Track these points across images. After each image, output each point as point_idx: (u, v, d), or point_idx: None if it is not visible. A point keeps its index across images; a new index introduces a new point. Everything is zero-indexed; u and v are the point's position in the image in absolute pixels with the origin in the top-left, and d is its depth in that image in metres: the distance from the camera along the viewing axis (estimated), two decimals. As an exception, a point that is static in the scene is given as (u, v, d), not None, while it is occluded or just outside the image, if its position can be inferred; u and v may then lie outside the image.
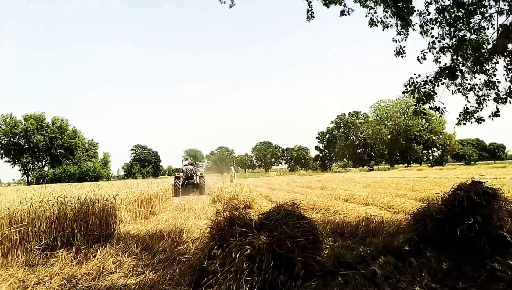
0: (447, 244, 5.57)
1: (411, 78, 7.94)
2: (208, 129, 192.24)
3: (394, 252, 5.49)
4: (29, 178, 75.27)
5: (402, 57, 8.22)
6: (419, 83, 7.91)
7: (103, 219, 7.55)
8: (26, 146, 77.40)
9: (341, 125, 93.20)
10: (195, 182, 22.36)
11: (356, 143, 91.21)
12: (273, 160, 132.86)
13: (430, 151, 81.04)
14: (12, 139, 76.50)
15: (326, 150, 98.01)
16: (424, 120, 76.51)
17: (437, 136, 76.52)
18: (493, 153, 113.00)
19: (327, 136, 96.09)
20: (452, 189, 6.18)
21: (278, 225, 4.23)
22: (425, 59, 7.66)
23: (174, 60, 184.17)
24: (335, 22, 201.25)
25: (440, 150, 77.99)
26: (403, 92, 8.09)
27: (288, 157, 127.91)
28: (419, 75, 7.87)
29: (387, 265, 5.00)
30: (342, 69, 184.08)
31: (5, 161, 77.74)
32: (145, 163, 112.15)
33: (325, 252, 4.57)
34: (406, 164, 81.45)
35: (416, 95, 8.05)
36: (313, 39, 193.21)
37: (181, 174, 22.59)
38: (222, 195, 11.75)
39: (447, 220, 5.67)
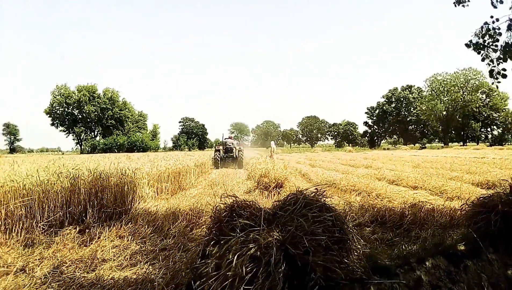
0: (515, 246, 4.45)
1: (486, 23, 6.12)
2: (255, 102, 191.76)
3: (445, 252, 4.42)
4: (82, 147, 78.90)
5: (463, 5, 6.59)
6: (496, 32, 6.09)
7: (118, 195, 6.99)
8: (80, 116, 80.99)
9: (393, 100, 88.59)
10: (234, 155, 22.76)
11: (408, 119, 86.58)
12: (319, 135, 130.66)
13: (489, 129, 75.31)
14: (66, 109, 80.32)
15: (375, 126, 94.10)
16: (484, 96, 70.97)
17: (498, 113, 70.88)
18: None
19: (377, 112, 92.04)
20: None
21: (294, 217, 3.31)
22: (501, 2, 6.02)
23: (223, 33, 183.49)
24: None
25: (501, 129, 72.29)
26: (470, 45, 6.21)
27: (335, 133, 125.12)
28: (497, 19, 6.04)
29: (436, 270, 3.97)
30: (397, 40, 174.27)
31: (60, 131, 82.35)
32: (192, 136, 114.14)
33: (355, 253, 3.59)
34: (461, 143, 76.54)
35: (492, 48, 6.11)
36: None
37: (220, 147, 23.24)
38: (254, 172, 10.95)
39: (517, 215, 4.51)
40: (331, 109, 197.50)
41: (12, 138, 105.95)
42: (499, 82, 6.17)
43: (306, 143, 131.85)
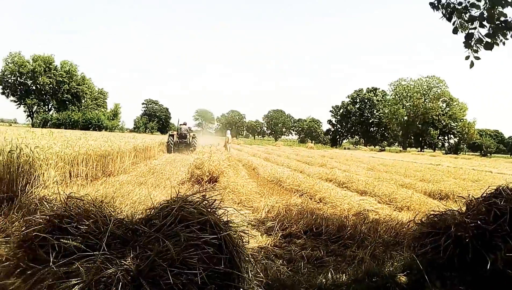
0: (467, 280, 3.60)
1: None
2: (222, 91, 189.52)
3: (382, 284, 3.51)
4: (33, 121, 74.34)
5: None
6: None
7: (4, 178, 5.66)
8: (33, 87, 75.85)
9: (357, 100, 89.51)
10: (188, 141, 23.01)
11: (370, 121, 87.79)
12: (284, 129, 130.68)
13: (446, 137, 77.49)
14: (19, 79, 74.93)
15: (338, 125, 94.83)
16: (445, 104, 72.78)
17: (456, 123, 72.89)
18: (511, 146, 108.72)
19: (341, 111, 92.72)
20: (485, 194, 4.01)
21: (160, 237, 2.20)
22: None
23: (192, 19, 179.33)
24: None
25: (457, 138, 74.53)
26: (438, 6, 4.47)
27: (300, 129, 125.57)
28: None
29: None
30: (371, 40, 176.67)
31: (11, 101, 76.59)
32: (154, 118, 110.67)
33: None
34: (419, 149, 78.40)
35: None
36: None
37: (174, 132, 23.55)
38: (190, 162, 9.80)
39: (473, 241, 3.60)
40: (298, 104, 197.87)
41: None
42: (478, 58, 4.63)
43: (270, 136, 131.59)
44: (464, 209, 4.24)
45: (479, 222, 3.62)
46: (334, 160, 22.19)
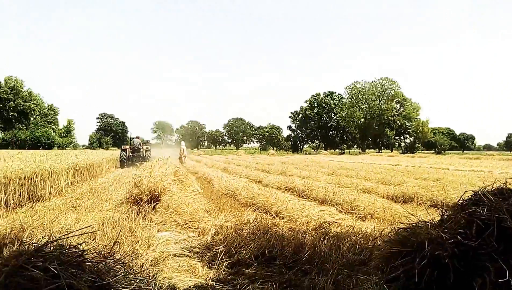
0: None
1: None
2: (180, 102, 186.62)
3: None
4: (-23, 142, 69.48)
5: None
6: None
7: None
8: (-24, 106, 71.11)
9: (315, 105, 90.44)
10: (141, 155, 22.55)
11: (329, 125, 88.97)
12: (245, 138, 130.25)
13: (402, 137, 79.71)
14: (-41, 97, 69.96)
15: (298, 131, 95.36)
16: (399, 105, 74.91)
17: (410, 123, 75.14)
18: (462, 143, 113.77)
19: (300, 116, 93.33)
20: (461, 201, 3.31)
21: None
22: None
23: (147, 27, 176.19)
24: None
25: (412, 137, 76.81)
26: None
27: (261, 136, 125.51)
28: None
29: None
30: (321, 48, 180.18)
31: (-49, 121, 71.33)
32: (110, 133, 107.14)
33: None
34: (377, 150, 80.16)
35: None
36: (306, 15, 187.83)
37: (127, 147, 22.75)
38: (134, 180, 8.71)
39: (453, 261, 2.90)
40: (257, 111, 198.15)
41: None
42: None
43: (232, 145, 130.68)
44: (437, 219, 3.55)
45: (459, 237, 2.93)
46: (294, 166, 21.65)
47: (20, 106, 74.87)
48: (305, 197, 9.74)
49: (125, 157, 21.67)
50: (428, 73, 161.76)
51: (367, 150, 79.92)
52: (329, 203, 8.30)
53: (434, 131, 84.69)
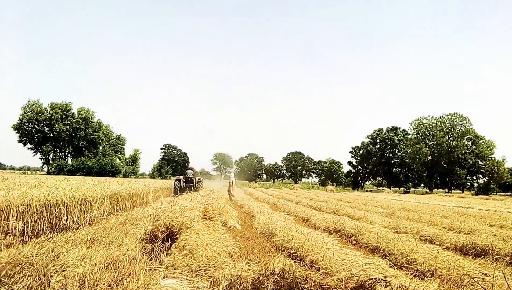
0: None
1: None
2: (240, 134, 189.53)
3: None
4: (48, 168, 74.48)
5: None
6: None
7: None
8: (50, 135, 76.84)
9: (378, 140, 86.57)
10: (194, 184, 24.37)
11: (392, 162, 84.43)
12: (303, 172, 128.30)
13: (474, 177, 73.31)
14: (36, 127, 76.23)
15: (359, 166, 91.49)
16: (470, 143, 69.53)
17: (483, 162, 69.12)
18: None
19: (361, 152, 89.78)
20: None
21: None
22: None
23: (207, 62, 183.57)
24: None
25: (486, 178, 70.38)
26: None
27: (320, 171, 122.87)
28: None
29: None
30: (383, 80, 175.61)
31: (28, 148, 77.44)
32: (173, 163, 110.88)
33: None
34: (446, 190, 74.38)
35: None
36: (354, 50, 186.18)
37: (181, 177, 24.68)
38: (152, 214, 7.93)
39: None
40: (318, 146, 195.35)
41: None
42: None
43: (290, 179, 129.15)
44: None
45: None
46: (350, 204, 20.08)
47: (90, 135, 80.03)
48: (354, 242, 8.48)
49: (179, 186, 23.56)
50: (503, 106, 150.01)
51: (435, 190, 74.44)
52: (381, 253, 7.00)
53: (511, 171, 77.17)
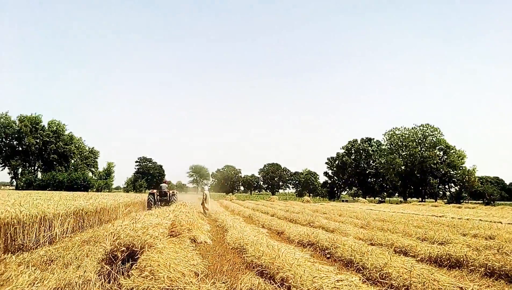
0: None
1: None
2: (216, 146, 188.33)
3: None
4: (17, 183, 71.75)
5: None
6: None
7: None
8: (19, 148, 74.23)
9: (352, 151, 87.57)
10: (168, 198, 23.92)
11: (367, 172, 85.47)
12: (280, 183, 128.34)
13: (447, 186, 74.96)
14: (4, 140, 73.51)
15: (335, 177, 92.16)
16: (442, 152, 71.19)
17: (455, 171, 70.83)
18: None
19: (336, 162, 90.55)
20: None
21: None
22: None
23: (184, 72, 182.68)
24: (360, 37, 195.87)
25: (458, 186, 72.07)
26: None
27: (297, 182, 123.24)
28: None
29: None
30: (358, 92, 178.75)
31: (-5, 163, 74.87)
32: (148, 176, 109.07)
33: None
34: (420, 199, 75.68)
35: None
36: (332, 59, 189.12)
37: (155, 191, 24.30)
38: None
39: None
40: (294, 157, 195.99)
41: None
42: None
43: (267, 190, 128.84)
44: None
45: None
46: (325, 215, 19.97)
47: (61, 148, 77.64)
48: (328, 255, 8.23)
49: (152, 200, 23.11)
50: (473, 117, 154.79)
51: (409, 199, 75.63)
52: (355, 267, 6.78)
53: (481, 180, 79.31)
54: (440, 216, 22.54)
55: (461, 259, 7.37)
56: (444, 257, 7.69)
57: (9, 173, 76.10)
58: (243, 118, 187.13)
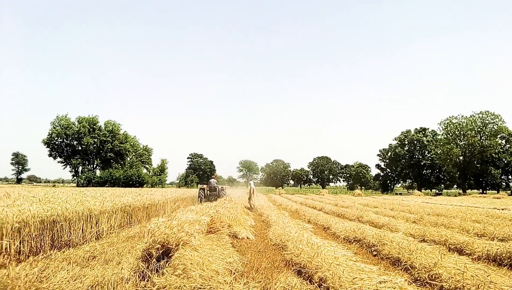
0: None
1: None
2: (265, 141, 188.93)
3: None
4: (78, 180, 76.32)
5: None
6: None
7: None
8: (79, 148, 78.97)
9: (406, 142, 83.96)
10: (217, 193, 24.92)
11: (422, 164, 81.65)
12: (331, 176, 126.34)
13: (510, 177, 69.93)
14: (65, 141, 78.62)
15: (388, 169, 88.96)
16: (504, 141, 66.45)
17: (519, 160, 65.95)
18: None
19: (389, 154, 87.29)
20: None
21: None
22: None
23: (233, 71, 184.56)
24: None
25: (523, 177, 67.15)
26: None
27: (347, 175, 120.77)
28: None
29: None
30: (410, 81, 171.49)
31: (58, 162, 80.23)
32: (199, 171, 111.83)
33: None
34: (481, 190, 71.28)
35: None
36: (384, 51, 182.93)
37: (205, 186, 25.60)
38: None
39: None
40: (344, 150, 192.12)
41: (20, 168, 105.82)
42: None
43: (317, 184, 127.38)
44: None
45: None
46: (376, 209, 19.22)
47: (116, 147, 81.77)
48: (375, 253, 7.80)
49: (202, 195, 24.44)
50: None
51: (468, 191, 71.50)
52: (402, 265, 6.33)
53: (549, 169, 73.20)
54: (502, 209, 20.98)
55: (525, 258, 6.68)
56: (504, 255, 7.01)
57: (70, 171, 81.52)
58: (291, 110, 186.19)
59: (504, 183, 69.73)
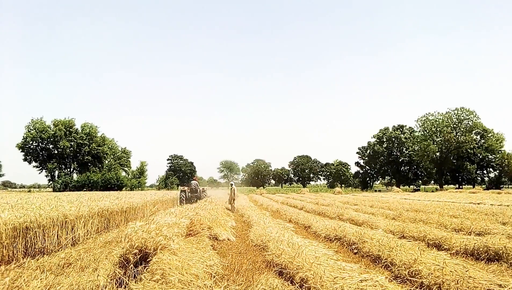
0: None
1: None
2: (246, 141, 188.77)
3: None
4: (54, 184, 74.23)
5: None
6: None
7: None
8: (55, 152, 76.74)
9: (384, 140, 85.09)
10: (198, 195, 25.07)
11: (400, 160, 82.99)
12: (311, 175, 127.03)
13: (485, 171, 71.70)
14: (40, 144, 76.20)
15: (367, 167, 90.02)
16: (479, 137, 68.13)
17: (493, 155, 67.70)
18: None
19: (368, 152, 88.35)
20: None
21: None
22: None
23: (212, 69, 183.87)
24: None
25: (497, 171, 68.88)
26: None
27: (328, 173, 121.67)
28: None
29: None
30: (388, 79, 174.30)
31: (34, 166, 77.03)
32: (180, 173, 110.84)
33: None
34: (457, 185, 72.89)
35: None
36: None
37: (186, 188, 25.56)
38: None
39: None
40: (324, 148, 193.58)
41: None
42: None
43: (298, 182, 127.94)
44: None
45: None
46: (356, 207, 19.37)
47: (94, 150, 79.66)
48: (355, 251, 7.82)
49: (184, 197, 24.32)
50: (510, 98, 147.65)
51: (445, 186, 73.08)
52: (383, 263, 6.35)
53: (521, 163, 75.48)
54: (478, 203, 21.52)
55: (500, 251, 6.80)
56: (481, 249, 7.13)
57: (46, 176, 78.97)
58: (271, 111, 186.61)
59: (479, 178, 71.43)
